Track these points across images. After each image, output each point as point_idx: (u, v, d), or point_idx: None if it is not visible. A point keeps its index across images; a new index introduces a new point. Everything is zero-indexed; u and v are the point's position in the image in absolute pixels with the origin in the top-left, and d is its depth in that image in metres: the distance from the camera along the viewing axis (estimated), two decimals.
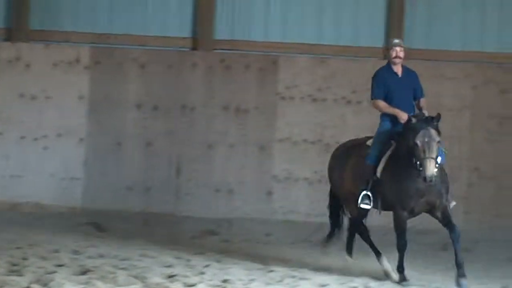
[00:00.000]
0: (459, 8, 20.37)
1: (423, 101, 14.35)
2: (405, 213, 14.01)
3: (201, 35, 20.78)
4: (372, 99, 14.53)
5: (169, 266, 14.94)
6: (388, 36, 20.23)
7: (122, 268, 14.43)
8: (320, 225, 18.57)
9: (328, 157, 18.76)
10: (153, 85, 20.42)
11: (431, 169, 13.05)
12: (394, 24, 20.16)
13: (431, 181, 13.13)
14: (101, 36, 20.93)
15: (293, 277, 14.44)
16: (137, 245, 16.93)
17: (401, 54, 14.22)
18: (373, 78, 14.59)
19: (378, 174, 14.01)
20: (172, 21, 20.91)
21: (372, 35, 20.52)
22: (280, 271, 14.91)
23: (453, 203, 14.41)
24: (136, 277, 13.74)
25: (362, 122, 19.62)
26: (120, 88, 20.49)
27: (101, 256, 15.61)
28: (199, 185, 20.12)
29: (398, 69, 14.33)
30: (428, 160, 13.11)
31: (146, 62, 20.51)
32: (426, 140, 13.19)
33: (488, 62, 19.91)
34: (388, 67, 14.44)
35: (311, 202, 19.72)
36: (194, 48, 20.95)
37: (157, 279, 13.61)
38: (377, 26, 20.40)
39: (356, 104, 19.87)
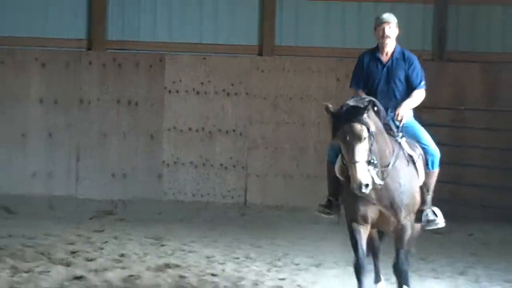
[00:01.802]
0: (322, 9, 20.50)
1: (414, 94, 10.22)
2: (353, 222, 9.80)
3: (95, 36, 20.65)
4: (350, 87, 10.66)
5: (71, 243, 14.91)
6: (261, 35, 20.48)
7: (29, 246, 14.41)
8: (205, 204, 19.44)
9: (211, 144, 19.61)
10: (53, 82, 20.21)
11: (357, 177, 8.91)
12: (266, 24, 20.17)
13: (363, 192, 8.99)
14: (5, 38, 20.58)
15: (183, 250, 14.74)
16: (42, 225, 16.70)
17: (391, 33, 10.18)
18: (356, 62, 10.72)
19: (337, 173, 10.02)
20: (68, 24, 20.67)
21: (247, 34, 20.49)
22: (171, 245, 15.16)
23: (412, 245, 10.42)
24: (42, 253, 13.77)
25: (240, 112, 20.12)
26: (24, 85, 20.27)
27: (10, 235, 15.50)
28: (97, 171, 20.09)
29: (385, 53, 10.25)
30: (352, 166, 9.00)
31: (46, 61, 20.24)
32: (347, 139, 9.07)
33: (350, 57, 19.60)
34: (374, 50, 10.42)
35: (196, 184, 19.95)
36: (89, 49, 20.78)
37: (61, 255, 13.68)
38: (251, 26, 20.37)
39: (234, 95, 20.01)
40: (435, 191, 10.72)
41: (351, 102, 9.29)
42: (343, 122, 9.04)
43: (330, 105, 9.24)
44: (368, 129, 9.03)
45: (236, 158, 20.00)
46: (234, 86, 19.93)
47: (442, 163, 18.22)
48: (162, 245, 15.29)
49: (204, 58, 20.43)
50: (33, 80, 20.40)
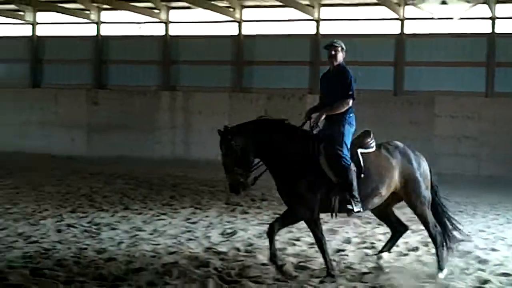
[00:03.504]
0: None
1: (337, 102, 7.65)
2: None
3: (398, 88, 20.86)
4: None
5: None
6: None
7: None
8: None
9: None
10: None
11: (228, 183, 7.42)
12: None
13: (233, 194, 7.67)
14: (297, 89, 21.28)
15: None
16: None
17: (335, 54, 7.81)
18: None
19: None
20: (385, 82, 20.95)
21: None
22: None
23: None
24: None
25: None
26: None
27: None
28: None
29: (330, 69, 7.96)
30: (225, 175, 7.42)
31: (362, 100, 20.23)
32: (221, 155, 7.43)
33: None
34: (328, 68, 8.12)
35: None
36: (395, 95, 20.89)
37: None
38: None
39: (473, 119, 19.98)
40: None
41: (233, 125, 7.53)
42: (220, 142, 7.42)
43: (219, 129, 7.34)
44: (231, 148, 7.25)
45: None
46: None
47: None
48: None
49: (456, 99, 20.02)
50: None
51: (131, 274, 7.59)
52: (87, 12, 24.39)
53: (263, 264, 8.17)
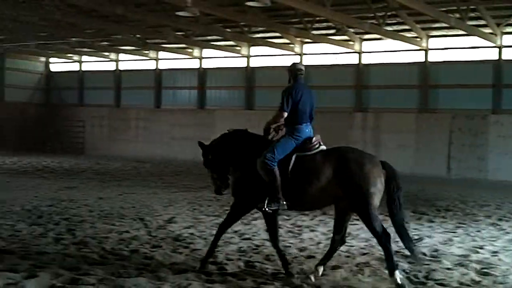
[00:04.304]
0: None
1: (274, 114, 7.34)
2: None
3: (500, 109, 19.83)
4: None
5: None
6: None
7: None
8: None
9: None
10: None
11: (213, 188, 7.57)
12: None
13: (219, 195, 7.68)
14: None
15: None
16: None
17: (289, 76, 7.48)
18: None
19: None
20: (483, 103, 20.22)
21: None
22: None
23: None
24: None
25: None
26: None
27: None
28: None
29: None
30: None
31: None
32: None
33: None
34: None
35: None
36: (494, 113, 20.14)
37: None
38: None
39: None
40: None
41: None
42: None
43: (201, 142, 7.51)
44: (207, 159, 7.42)
45: None
46: None
47: None
48: None
49: None
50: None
51: (329, 271, 7.53)
52: (292, 45, 25.02)
53: (448, 269, 7.86)
